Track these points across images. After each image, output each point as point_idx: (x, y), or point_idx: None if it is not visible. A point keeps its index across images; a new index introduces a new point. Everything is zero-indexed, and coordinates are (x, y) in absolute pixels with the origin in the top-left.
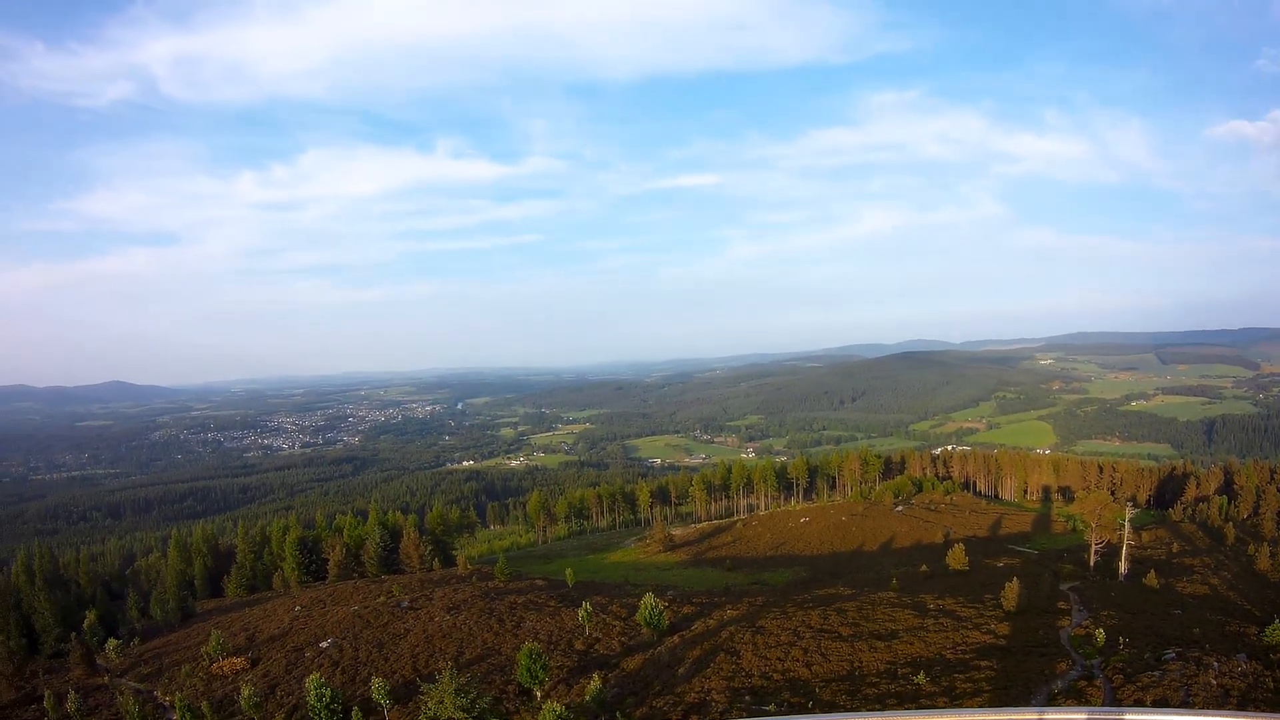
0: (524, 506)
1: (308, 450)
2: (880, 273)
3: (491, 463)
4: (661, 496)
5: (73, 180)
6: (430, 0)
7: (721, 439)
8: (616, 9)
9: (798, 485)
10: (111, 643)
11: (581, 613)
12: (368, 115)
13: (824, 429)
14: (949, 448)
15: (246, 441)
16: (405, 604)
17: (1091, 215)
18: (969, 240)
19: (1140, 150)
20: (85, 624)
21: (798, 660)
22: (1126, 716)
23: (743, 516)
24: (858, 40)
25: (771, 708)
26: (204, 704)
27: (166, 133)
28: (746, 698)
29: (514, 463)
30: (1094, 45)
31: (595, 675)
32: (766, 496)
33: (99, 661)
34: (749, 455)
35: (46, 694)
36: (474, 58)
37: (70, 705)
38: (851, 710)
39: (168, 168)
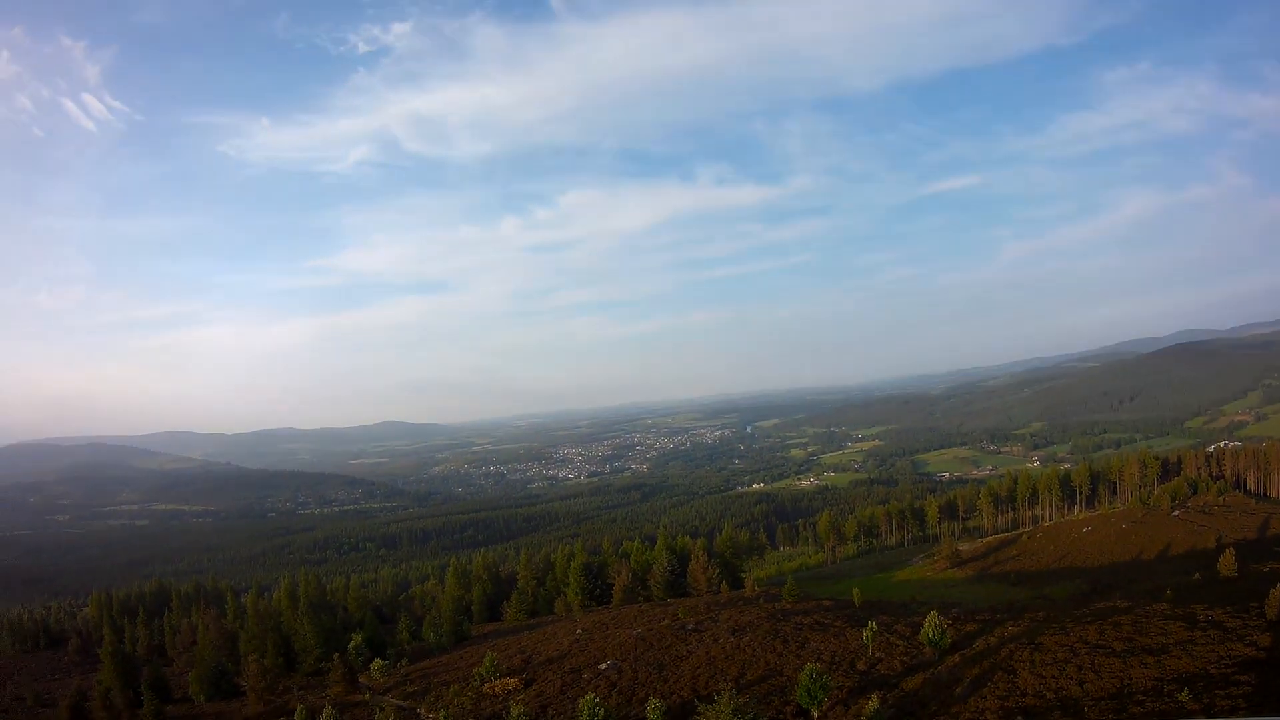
0: (814, 527)
1: (594, 479)
2: (1144, 259)
3: (781, 484)
4: (949, 511)
5: (330, 238)
6: (664, 36)
7: (1007, 448)
8: (849, 19)
9: (1080, 493)
10: (377, 663)
11: (866, 632)
12: (623, 152)
13: (1104, 432)
14: (1221, 444)
15: (531, 473)
16: (690, 626)
17: None
18: (1221, 215)
19: None
20: (350, 645)
21: (1071, 678)
22: None
23: (1028, 529)
24: (1078, 16)
25: None
26: None
27: (419, 187)
28: (1019, 717)
29: (804, 483)
30: None
31: (874, 695)
32: (1051, 506)
33: (361, 680)
34: (1034, 464)
35: (299, 708)
36: (721, 84)
37: (324, 719)
38: None
39: (426, 220)
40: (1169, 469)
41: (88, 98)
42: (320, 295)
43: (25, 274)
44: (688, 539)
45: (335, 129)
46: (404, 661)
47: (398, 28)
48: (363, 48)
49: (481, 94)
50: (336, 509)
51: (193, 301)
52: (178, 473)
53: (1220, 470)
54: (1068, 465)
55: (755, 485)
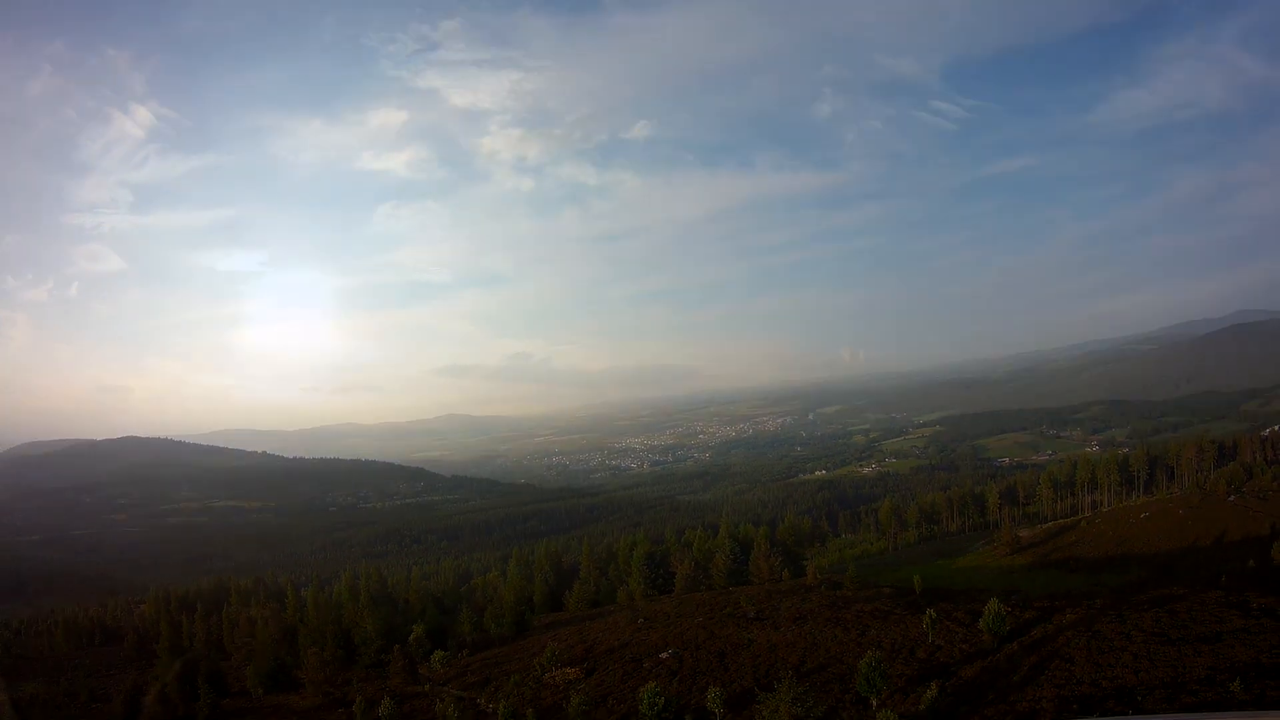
0: (875, 514)
1: (657, 468)
2: (1199, 239)
3: (843, 471)
4: (1009, 497)
5: (387, 235)
6: (715, 24)
7: (1067, 433)
8: (899, 2)
9: (1138, 478)
10: (437, 654)
11: (925, 620)
12: (680, 141)
13: (1162, 415)
14: (1276, 427)
15: (593, 463)
16: (752, 615)
17: None
18: (1274, 193)
19: None
20: (411, 637)
21: (1127, 667)
22: None
23: (1087, 514)
24: None
25: (1094, 718)
26: (529, 711)
27: (475, 182)
28: (1074, 706)
29: (865, 470)
30: None
31: (933, 684)
32: (1110, 492)
33: (421, 671)
34: (1093, 449)
35: (358, 700)
36: (774, 71)
37: (382, 710)
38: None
39: (483, 214)
40: (1225, 453)
41: (135, 106)
42: (379, 291)
43: (81, 278)
44: (750, 527)
45: (388, 127)
46: (465, 652)
47: (446, 25)
48: (411, 46)
49: (534, 88)
50: (398, 502)
51: (251, 301)
52: (237, 469)
53: (1275, 455)
54: (1126, 450)
55: (817, 472)
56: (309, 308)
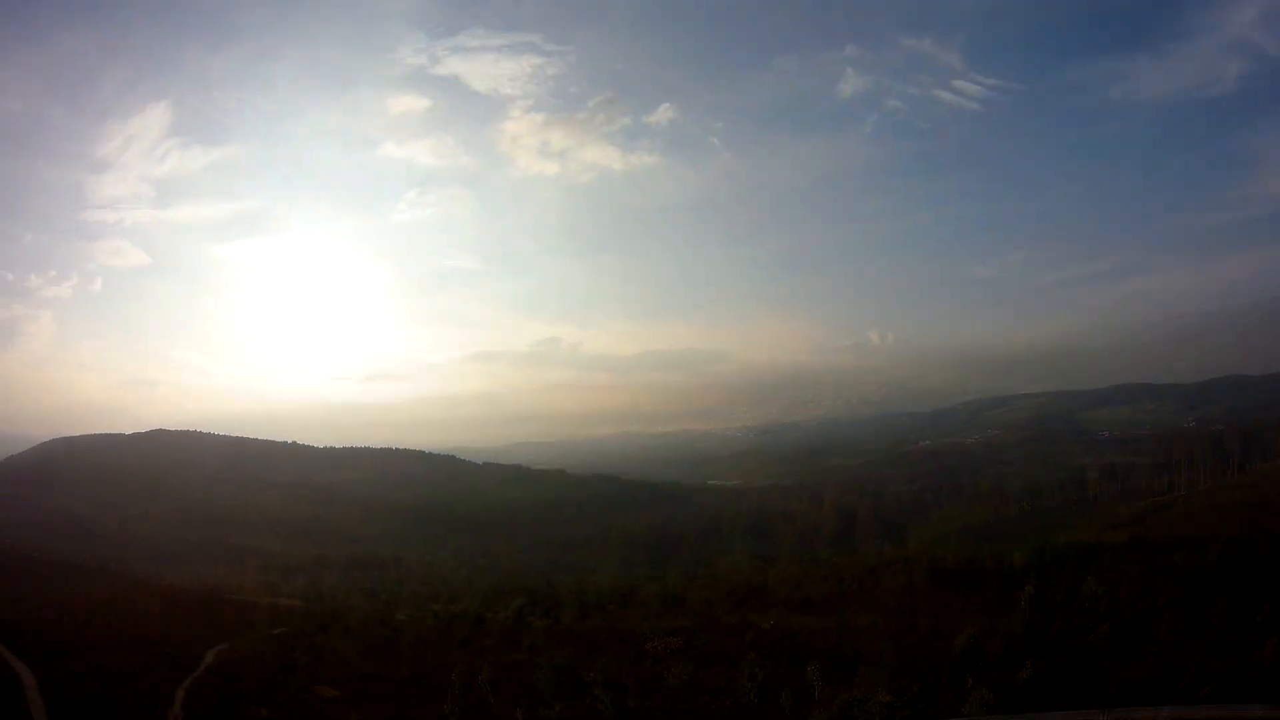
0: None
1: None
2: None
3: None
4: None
5: (413, 225)
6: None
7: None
8: None
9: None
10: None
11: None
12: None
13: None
14: None
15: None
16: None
17: None
18: None
19: None
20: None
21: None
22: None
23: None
24: None
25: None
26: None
27: (502, 169)
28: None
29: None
30: None
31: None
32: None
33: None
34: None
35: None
36: (795, 53)
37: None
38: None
39: (509, 201)
40: None
41: (155, 101)
42: (404, 280)
43: (104, 273)
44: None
45: (410, 115)
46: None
47: (464, 10)
48: (430, 33)
49: (555, 73)
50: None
51: (275, 292)
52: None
53: None
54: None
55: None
56: (333, 297)
